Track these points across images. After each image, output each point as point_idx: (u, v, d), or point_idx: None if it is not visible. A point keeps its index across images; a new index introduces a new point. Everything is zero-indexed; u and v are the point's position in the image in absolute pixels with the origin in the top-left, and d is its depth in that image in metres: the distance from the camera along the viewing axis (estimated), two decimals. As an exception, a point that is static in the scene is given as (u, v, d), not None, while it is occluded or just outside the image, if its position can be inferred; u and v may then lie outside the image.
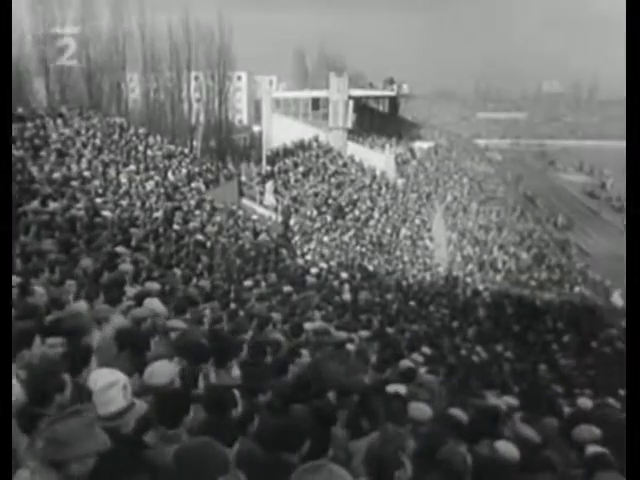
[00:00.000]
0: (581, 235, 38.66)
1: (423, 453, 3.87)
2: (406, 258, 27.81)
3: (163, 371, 3.84)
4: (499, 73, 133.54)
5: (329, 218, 28.80)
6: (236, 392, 3.82)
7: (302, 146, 37.72)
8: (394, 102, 57.81)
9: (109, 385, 3.07)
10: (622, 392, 13.44)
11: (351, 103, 41.23)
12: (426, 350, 10.97)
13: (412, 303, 20.35)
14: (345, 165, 37.89)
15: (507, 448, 4.28)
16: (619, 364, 19.18)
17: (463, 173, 48.14)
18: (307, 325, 8.46)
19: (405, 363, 7.33)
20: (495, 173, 58.78)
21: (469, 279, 26.32)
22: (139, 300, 6.55)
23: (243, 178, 30.27)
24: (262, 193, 28.60)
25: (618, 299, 25.41)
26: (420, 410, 4.86)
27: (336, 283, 17.90)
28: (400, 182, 39.34)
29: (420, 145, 52.26)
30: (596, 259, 32.65)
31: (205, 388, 4.19)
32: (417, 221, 33.77)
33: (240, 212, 24.38)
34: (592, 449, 4.64)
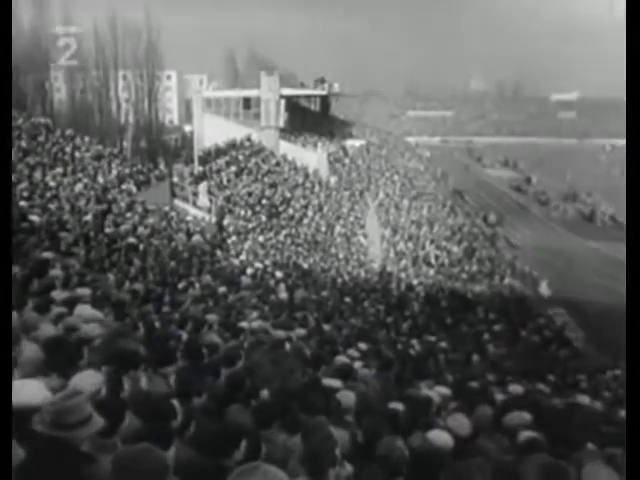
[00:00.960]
0: (509, 228, 39.84)
1: (361, 448, 3.94)
2: (341, 255, 28.03)
3: (89, 380, 3.75)
4: (427, 72, 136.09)
5: (263, 217, 28.72)
6: (175, 402, 3.76)
7: (234, 146, 37.50)
8: (325, 101, 58.19)
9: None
10: (551, 377, 14.03)
11: (283, 102, 41.28)
12: (362, 345, 11.12)
13: (347, 299, 20.55)
14: (278, 164, 37.86)
15: (440, 437, 4.38)
16: (547, 351, 20.02)
17: (394, 170, 48.84)
18: (245, 325, 8.45)
19: (341, 359, 7.43)
20: (425, 170, 59.90)
21: (403, 274, 26.76)
22: (70, 306, 6.38)
23: (175, 179, 29.80)
24: (195, 194, 28.24)
25: (545, 289, 26.36)
26: (345, 397, 4.99)
27: (272, 282, 17.90)
28: (333, 180, 39.63)
29: (352, 143, 52.81)
30: (524, 251, 33.73)
31: (139, 396, 4.09)
32: (351, 218, 34.10)
33: (173, 214, 24.01)
34: (524, 434, 4.82)
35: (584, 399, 8.69)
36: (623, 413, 6.97)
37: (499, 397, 7.84)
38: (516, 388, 8.07)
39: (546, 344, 20.70)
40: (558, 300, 25.71)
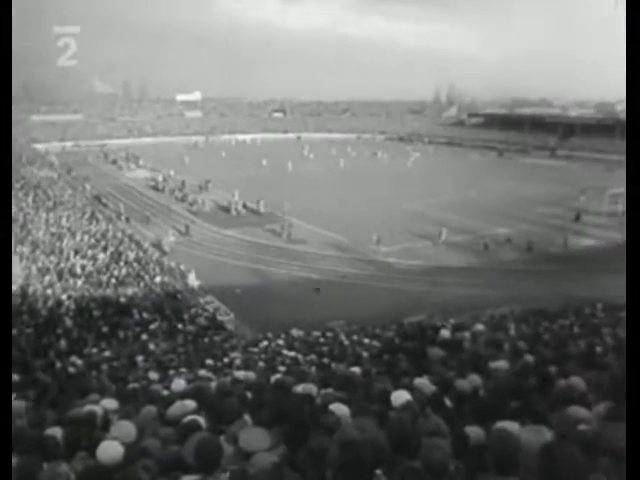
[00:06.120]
0: (152, 227, 40.40)
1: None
2: (-30, 283, 24.98)
3: None
4: (49, 74, 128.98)
5: None
6: None
7: None
8: None
9: None
10: (210, 362, 14.77)
11: None
12: (14, 377, 10.25)
13: (-12, 330, 18.58)
14: None
15: (107, 450, 4.32)
16: (204, 338, 21.01)
17: (25, 181, 45.51)
18: None
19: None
20: (58, 177, 57.42)
21: (49, 291, 25.13)
22: None
23: None
24: None
25: (194, 280, 27.49)
26: None
27: None
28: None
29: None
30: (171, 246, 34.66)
31: None
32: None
33: None
34: (183, 420, 5.09)
35: (241, 374, 9.41)
36: (273, 378, 7.79)
37: (165, 393, 8.07)
38: (179, 383, 8.33)
39: (203, 331, 21.75)
40: (207, 288, 27.13)
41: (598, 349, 8.39)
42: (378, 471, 3.31)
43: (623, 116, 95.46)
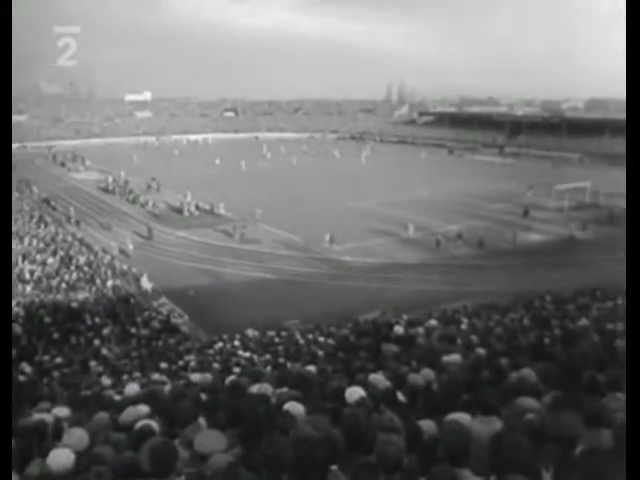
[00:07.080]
0: (105, 231, 39.64)
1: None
2: None
3: None
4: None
5: None
6: None
7: None
8: None
9: None
10: (165, 365, 14.60)
11: None
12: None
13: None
14: None
15: (58, 458, 4.24)
16: (158, 341, 20.71)
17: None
18: None
19: None
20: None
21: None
22: None
23: None
24: None
25: (146, 283, 27.02)
26: None
27: None
28: None
29: None
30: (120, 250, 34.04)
31: None
32: None
33: None
34: (137, 425, 5.02)
35: (196, 377, 9.33)
36: (228, 379, 7.72)
37: (117, 398, 7.93)
38: (133, 387, 8.20)
39: (157, 335, 21.45)
40: (161, 290, 26.74)
41: (547, 340, 8.62)
42: (333, 467, 3.33)
43: (568, 114, 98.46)
